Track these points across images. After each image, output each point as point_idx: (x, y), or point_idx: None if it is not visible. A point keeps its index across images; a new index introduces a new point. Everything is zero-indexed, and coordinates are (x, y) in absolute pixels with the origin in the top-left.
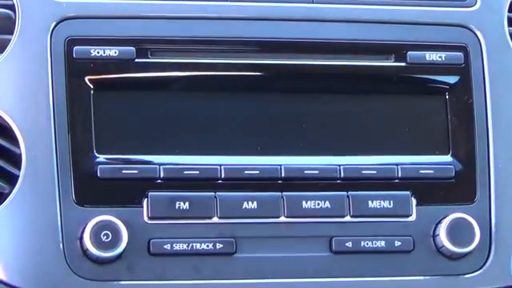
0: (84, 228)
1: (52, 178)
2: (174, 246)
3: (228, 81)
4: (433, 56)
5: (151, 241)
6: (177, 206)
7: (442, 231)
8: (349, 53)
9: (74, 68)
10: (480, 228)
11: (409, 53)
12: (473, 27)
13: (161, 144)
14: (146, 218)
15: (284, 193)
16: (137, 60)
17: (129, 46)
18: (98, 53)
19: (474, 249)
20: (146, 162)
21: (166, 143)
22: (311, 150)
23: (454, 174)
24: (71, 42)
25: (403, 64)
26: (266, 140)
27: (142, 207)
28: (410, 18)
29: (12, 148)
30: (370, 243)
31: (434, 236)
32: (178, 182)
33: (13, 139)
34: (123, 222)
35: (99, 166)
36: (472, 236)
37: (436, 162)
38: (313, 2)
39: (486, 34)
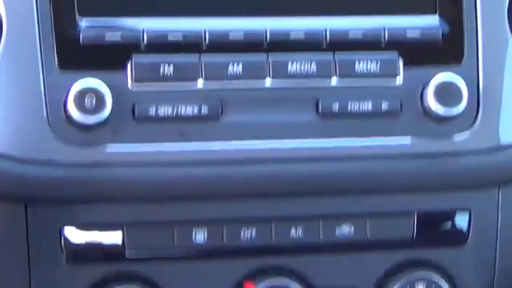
0: (67, 93)
1: (34, 43)
2: (158, 110)
3: None
4: None
5: (136, 105)
6: (161, 69)
7: (429, 92)
8: None
9: None
10: (468, 89)
11: None
12: None
13: (144, 5)
14: (130, 83)
15: (270, 54)
16: None
17: None
18: None
19: (462, 111)
20: (130, 26)
21: (149, 5)
22: (297, 11)
23: (441, 35)
24: None
25: None
26: (251, 1)
27: (126, 71)
28: None
29: None
30: (356, 105)
31: (422, 98)
32: (162, 46)
33: None
34: (107, 87)
35: (82, 31)
36: (459, 97)
37: (423, 22)
38: None
39: None
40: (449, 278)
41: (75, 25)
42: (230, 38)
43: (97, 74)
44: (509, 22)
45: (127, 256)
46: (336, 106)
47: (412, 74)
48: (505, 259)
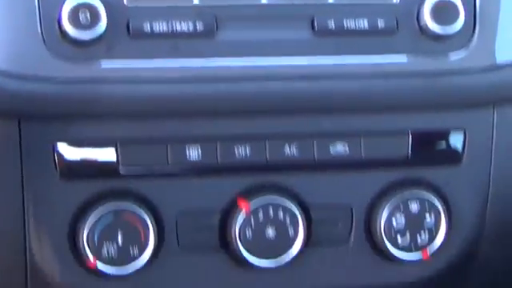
0: (61, 8)
1: None
2: (153, 26)
3: None
4: None
5: (130, 21)
6: None
7: (425, 10)
8: None
9: None
10: (464, 7)
11: None
12: None
13: None
14: None
15: None
16: None
17: None
18: None
19: (458, 29)
20: None
21: None
22: None
23: None
24: None
25: None
26: None
27: None
28: None
29: None
30: (352, 23)
31: (418, 16)
32: None
33: None
34: (101, 2)
35: None
36: (456, 15)
37: None
38: None
39: None
40: (443, 199)
41: None
42: None
43: None
44: None
45: (121, 172)
46: (332, 23)
47: None
48: (499, 180)
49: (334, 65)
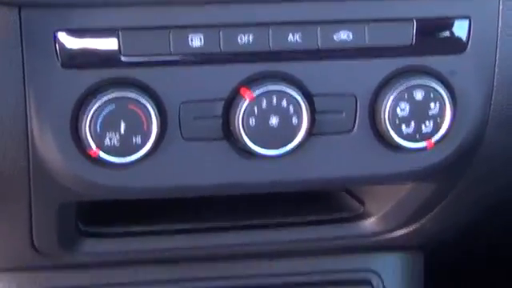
0: None
1: None
2: None
3: None
4: None
5: None
6: None
7: None
8: None
9: None
10: None
11: None
12: None
13: None
14: None
15: None
16: None
17: None
18: None
19: None
20: None
21: None
22: None
23: None
24: None
25: None
26: None
27: None
28: None
29: None
30: None
31: None
32: None
33: None
34: None
35: None
36: None
37: None
38: None
39: None
40: (448, 87)
41: None
42: None
43: None
44: None
45: (123, 60)
46: None
47: None
48: (504, 68)
49: None
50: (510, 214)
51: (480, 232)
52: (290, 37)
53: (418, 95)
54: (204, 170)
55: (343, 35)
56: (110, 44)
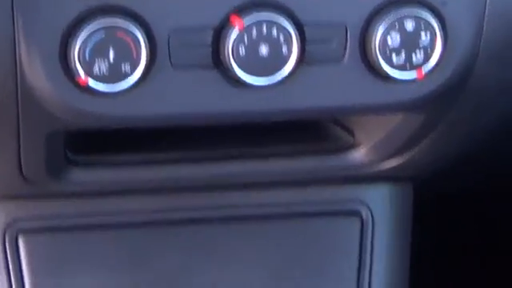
0: None
1: None
2: None
3: None
4: None
5: None
6: None
7: None
8: None
9: None
10: None
11: None
12: None
13: None
14: None
15: None
16: None
17: None
18: None
19: None
20: None
21: None
22: None
23: None
24: None
25: None
26: None
27: None
28: None
29: None
30: None
31: None
32: None
33: None
34: None
35: None
36: None
37: None
38: None
39: None
40: (439, 18)
41: None
42: None
43: None
44: None
45: None
46: None
47: None
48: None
49: None
50: (501, 147)
51: (471, 164)
52: None
53: (409, 25)
54: (193, 99)
55: None
56: None
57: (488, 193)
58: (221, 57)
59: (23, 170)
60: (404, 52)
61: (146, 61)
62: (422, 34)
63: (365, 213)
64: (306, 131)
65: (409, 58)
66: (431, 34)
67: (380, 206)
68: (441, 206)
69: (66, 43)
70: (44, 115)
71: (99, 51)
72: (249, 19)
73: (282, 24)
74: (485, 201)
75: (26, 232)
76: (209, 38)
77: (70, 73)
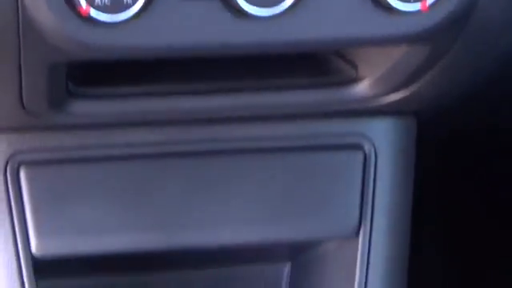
0: None
1: None
2: None
3: None
4: None
5: None
6: None
7: None
8: None
9: None
10: None
11: None
12: None
13: None
14: None
15: None
16: None
17: None
18: None
19: None
20: None
21: None
22: None
23: None
24: None
25: None
26: None
27: None
28: None
29: None
30: None
31: None
32: None
33: None
34: None
35: None
36: None
37: None
38: None
39: None
40: None
41: None
42: None
43: None
44: None
45: None
46: None
47: None
48: None
49: None
50: (508, 86)
51: (476, 103)
52: None
53: None
54: (195, 29)
55: None
56: None
57: (491, 132)
58: None
59: (24, 101)
60: None
61: None
62: None
63: (367, 147)
64: (308, 65)
65: None
66: None
67: (383, 139)
68: (445, 146)
69: None
70: (45, 46)
71: None
72: None
73: None
74: (488, 139)
75: (28, 164)
76: None
77: (71, 2)
